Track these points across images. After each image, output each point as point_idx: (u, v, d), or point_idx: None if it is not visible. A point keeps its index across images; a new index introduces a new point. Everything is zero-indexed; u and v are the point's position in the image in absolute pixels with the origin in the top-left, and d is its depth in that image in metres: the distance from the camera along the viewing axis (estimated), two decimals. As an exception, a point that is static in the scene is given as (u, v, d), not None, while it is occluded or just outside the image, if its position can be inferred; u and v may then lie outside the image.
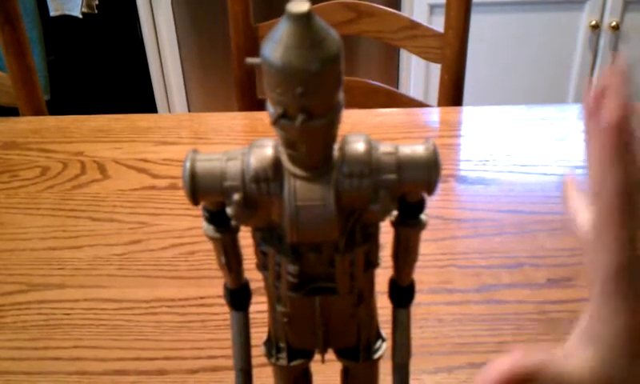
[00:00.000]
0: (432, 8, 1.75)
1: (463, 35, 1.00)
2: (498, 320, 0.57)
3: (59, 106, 1.85)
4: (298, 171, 0.30)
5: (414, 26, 1.05)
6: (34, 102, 1.04)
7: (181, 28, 1.86)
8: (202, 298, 0.61)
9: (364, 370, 0.39)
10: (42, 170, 0.80)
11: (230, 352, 0.38)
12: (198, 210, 0.33)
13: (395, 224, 0.33)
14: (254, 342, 0.38)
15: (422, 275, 0.61)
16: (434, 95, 1.20)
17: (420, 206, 0.33)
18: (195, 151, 0.31)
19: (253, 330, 0.38)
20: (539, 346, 0.36)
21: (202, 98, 1.99)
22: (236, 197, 0.30)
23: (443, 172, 0.70)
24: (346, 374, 0.40)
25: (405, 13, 1.67)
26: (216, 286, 0.55)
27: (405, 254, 0.34)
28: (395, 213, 0.33)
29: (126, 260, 0.66)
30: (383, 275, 0.36)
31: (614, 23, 1.74)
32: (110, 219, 0.72)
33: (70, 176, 0.79)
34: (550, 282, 0.61)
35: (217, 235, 0.33)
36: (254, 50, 1.07)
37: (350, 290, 0.33)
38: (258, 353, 0.38)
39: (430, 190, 0.31)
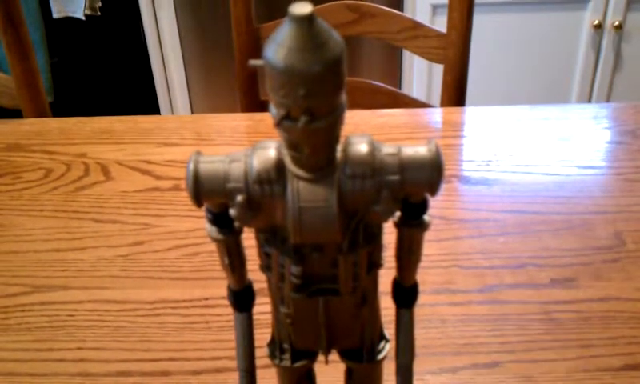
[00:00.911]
0: (434, 8, 1.75)
1: (466, 35, 1.00)
2: (501, 320, 0.57)
3: (62, 107, 1.85)
4: (300, 173, 0.30)
5: (417, 26, 1.05)
6: (38, 103, 1.04)
7: (183, 29, 1.86)
8: (205, 299, 0.61)
9: (368, 371, 0.39)
10: (46, 172, 0.81)
11: (233, 353, 0.38)
12: (202, 212, 0.33)
13: (398, 225, 0.33)
14: (257, 343, 0.38)
15: (425, 276, 0.61)
16: (436, 96, 1.20)
17: (423, 206, 0.33)
18: (198, 153, 0.31)
19: (256, 331, 0.38)
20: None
21: (205, 100, 1.99)
22: (239, 198, 0.30)
23: (446, 172, 0.70)
24: (349, 375, 0.40)
25: (407, 13, 1.68)
26: (220, 287, 0.55)
27: (408, 254, 0.34)
28: (398, 213, 0.33)
29: (129, 261, 0.66)
30: (386, 276, 0.36)
31: (616, 23, 1.74)
32: (114, 221, 0.72)
33: (74, 178, 0.79)
34: (554, 282, 0.61)
35: (220, 237, 0.33)
36: (257, 51, 1.07)
37: (354, 291, 0.33)
38: (261, 354, 0.38)
39: (433, 190, 0.31)
